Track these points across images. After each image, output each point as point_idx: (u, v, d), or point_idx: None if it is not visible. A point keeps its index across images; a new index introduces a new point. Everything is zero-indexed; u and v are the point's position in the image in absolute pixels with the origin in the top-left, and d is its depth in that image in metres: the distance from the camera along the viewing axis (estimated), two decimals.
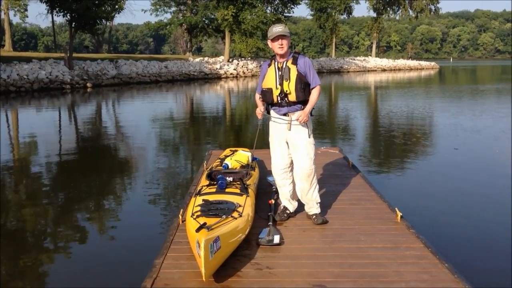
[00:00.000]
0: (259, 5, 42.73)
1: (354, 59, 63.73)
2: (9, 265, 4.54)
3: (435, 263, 3.33)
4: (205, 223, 3.19)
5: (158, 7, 51.63)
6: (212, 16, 48.09)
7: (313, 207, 4.25)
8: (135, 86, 30.96)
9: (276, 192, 4.54)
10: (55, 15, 32.71)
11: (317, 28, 70.56)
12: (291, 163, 4.26)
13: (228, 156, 5.36)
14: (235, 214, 3.51)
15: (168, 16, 54.42)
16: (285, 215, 4.31)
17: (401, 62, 67.54)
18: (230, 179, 4.38)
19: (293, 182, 4.31)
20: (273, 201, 4.45)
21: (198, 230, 3.10)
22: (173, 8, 53.15)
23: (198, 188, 4.31)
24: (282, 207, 4.38)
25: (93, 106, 21.32)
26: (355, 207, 4.61)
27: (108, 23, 57.73)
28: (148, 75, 34.40)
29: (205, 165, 5.98)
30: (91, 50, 68.19)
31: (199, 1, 50.55)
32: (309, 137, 4.15)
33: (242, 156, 5.26)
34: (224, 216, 3.40)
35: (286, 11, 48.21)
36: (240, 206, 3.72)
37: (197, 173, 5.94)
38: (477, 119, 14.37)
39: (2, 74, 25.05)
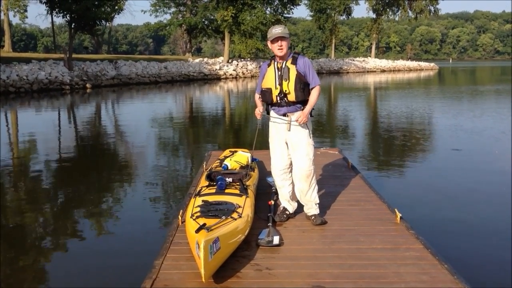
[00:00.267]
0: (259, 6, 42.75)
1: (353, 60, 63.76)
2: (9, 266, 4.53)
3: (435, 264, 3.33)
4: (204, 224, 3.18)
5: (157, 7, 51.62)
6: (212, 17, 48.11)
7: (312, 208, 4.25)
8: (134, 87, 30.97)
9: (276, 193, 4.54)
10: (55, 16, 32.72)
11: (317, 29, 70.58)
12: (291, 163, 4.26)
13: (227, 157, 5.36)
14: (235, 215, 3.51)
15: (168, 17, 54.51)
16: (285, 216, 4.30)
17: (401, 63, 67.59)
18: (230, 180, 4.39)
19: (292, 183, 4.31)
20: (272, 202, 4.45)
21: (197, 231, 3.10)
22: (173, 9, 53.16)
23: (198, 189, 4.31)
24: (281, 208, 4.38)
25: (93, 106, 21.31)
26: (354, 208, 4.61)
27: (107, 24, 57.74)
28: (147, 76, 34.41)
29: (204, 166, 5.98)
30: (90, 50, 68.18)
31: (199, 2, 50.56)
32: (309, 138, 4.15)
33: (242, 157, 5.26)
34: (223, 217, 3.40)
35: (285, 12, 48.21)
36: (239, 207, 3.72)
37: (197, 174, 5.93)
38: (477, 120, 14.37)
39: (2, 75, 25.04)
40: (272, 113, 4.23)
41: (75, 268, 4.51)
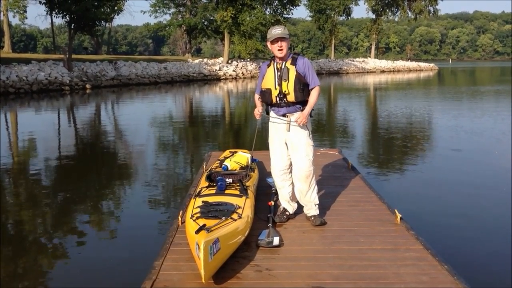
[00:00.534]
0: (258, 6, 42.79)
1: (353, 61, 63.79)
2: (9, 267, 4.53)
3: (435, 264, 3.33)
4: (204, 225, 3.18)
5: (157, 8, 51.67)
6: (211, 18, 48.15)
7: (311, 208, 4.25)
8: (134, 88, 30.97)
9: (276, 193, 4.54)
10: (54, 16, 32.73)
11: (316, 29, 70.64)
12: (291, 164, 4.26)
13: (227, 157, 5.36)
14: (235, 216, 3.51)
15: (167, 17, 54.62)
16: (285, 216, 4.30)
17: (400, 64, 67.60)
18: (230, 180, 4.39)
19: (292, 183, 4.31)
20: (272, 203, 4.45)
21: (197, 231, 3.10)
22: (172, 10, 53.21)
23: (198, 190, 4.31)
24: (281, 209, 4.38)
25: (92, 107, 21.31)
26: (354, 208, 4.60)
27: (107, 25, 57.77)
28: (147, 77, 34.41)
29: (204, 167, 5.97)
30: (90, 51, 68.19)
31: (198, 2, 50.58)
32: (308, 138, 4.15)
33: (242, 157, 5.26)
34: (223, 218, 3.39)
35: (285, 12, 48.30)
36: (239, 207, 3.71)
37: (197, 175, 5.93)
38: (477, 121, 14.38)
39: (1, 76, 25.05)
40: (271, 113, 4.23)
41: (75, 269, 4.51)
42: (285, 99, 4.06)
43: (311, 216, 4.24)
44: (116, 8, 45.07)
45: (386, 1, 64.73)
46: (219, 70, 41.03)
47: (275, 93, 4.07)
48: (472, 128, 12.73)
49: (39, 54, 51.36)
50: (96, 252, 4.91)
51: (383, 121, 15.40)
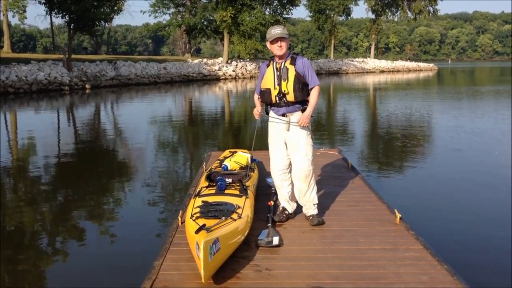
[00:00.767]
0: (258, 6, 42.79)
1: (352, 61, 63.82)
2: (9, 267, 4.53)
3: (434, 264, 3.33)
4: (204, 225, 3.18)
5: (156, 8, 51.61)
6: (211, 18, 48.10)
7: (310, 208, 4.25)
8: (134, 88, 30.97)
9: (275, 193, 4.54)
10: (54, 16, 32.71)
11: (316, 29, 70.57)
12: (290, 164, 4.27)
13: (227, 157, 5.36)
14: (234, 216, 3.51)
15: (167, 17, 54.62)
16: (284, 215, 4.30)
17: (400, 64, 67.62)
18: (229, 180, 4.39)
19: (292, 183, 4.31)
20: (272, 203, 4.45)
21: (197, 231, 3.10)
22: (172, 10, 53.09)
23: (198, 190, 4.31)
24: (281, 208, 4.38)
25: (92, 107, 21.30)
26: (354, 208, 4.61)
27: (106, 25, 57.80)
28: (147, 77, 34.40)
29: (204, 167, 5.97)
30: (89, 51, 68.19)
31: (198, 2, 50.55)
32: (308, 138, 4.15)
33: (241, 157, 5.26)
34: (223, 218, 3.39)
35: (284, 12, 48.30)
36: (239, 207, 3.72)
37: (196, 175, 5.93)
38: (477, 121, 14.38)
39: (1, 76, 25.04)
40: (271, 113, 4.23)
41: (74, 269, 4.51)
42: (284, 99, 4.07)
43: (309, 216, 4.24)
44: (115, 8, 45.03)
45: (386, 1, 64.76)
46: (218, 70, 41.02)
47: (274, 92, 4.08)
48: (472, 128, 12.72)
49: (39, 54, 51.34)
50: (96, 252, 4.90)
51: (383, 121, 15.41)
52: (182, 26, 51.70)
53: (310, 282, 3.10)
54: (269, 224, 3.97)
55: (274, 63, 4.12)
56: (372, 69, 59.87)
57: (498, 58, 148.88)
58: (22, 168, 9.15)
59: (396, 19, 76.27)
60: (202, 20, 49.54)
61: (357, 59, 68.33)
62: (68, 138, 12.74)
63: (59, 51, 45.00)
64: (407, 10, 63.88)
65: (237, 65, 43.84)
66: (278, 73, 4.06)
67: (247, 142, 9.89)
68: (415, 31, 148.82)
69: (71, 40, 33.00)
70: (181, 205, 4.74)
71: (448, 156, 9.49)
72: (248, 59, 46.47)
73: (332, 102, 23.45)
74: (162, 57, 60.82)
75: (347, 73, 55.32)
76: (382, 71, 59.83)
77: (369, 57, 71.30)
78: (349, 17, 69.43)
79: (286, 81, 4.01)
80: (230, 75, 41.25)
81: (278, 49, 4.01)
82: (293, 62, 4.04)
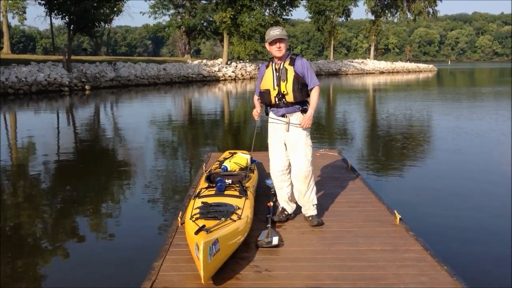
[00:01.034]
0: (258, 7, 42.82)
1: (352, 62, 63.88)
2: (8, 267, 4.52)
3: (434, 265, 3.33)
4: (204, 226, 3.18)
5: (156, 9, 51.68)
6: (211, 19, 48.22)
7: (309, 209, 4.25)
8: (133, 89, 30.97)
9: (275, 194, 4.54)
10: (54, 17, 32.81)
11: (316, 30, 70.57)
12: (290, 165, 4.27)
13: (227, 158, 5.36)
14: (234, 217, 3.51)
15: (167, 18, 54.53)
16: (283, 215, 4.30)
17: (399, 65, 67.67)
18: (229, 181, 4.39)
19: (291, 184, 4.31)
20: (271, 204, 4.45)
21: (197, 232, 3.09)
22: (172, 11, 53.22)
23: (197, 191, 4.31)
24: (280, 209, 4.37)
25: (92, 108, 21.30)
26: (354, 209, 4.60)
27: (106, 26, 57.82)
28: (146, 78, 34.42)
29: (204, 168, 5.97)
30: (89, 52, 68.18)
31: (198, 3, 50.61)
32: (307, 139, 4.16)
33: (241, 158, 5.26)
34: (223, 219, 3.39)
35: (284, 13, 48.37)
36: (239, 208, 3.71)
37: (196, 176, 5.93)
38: (477, 122, 14.38)
39: (1, 77, 25.05)
40: (271, 114, 4.24)
41: (74, 269, 4.50)
42: (283, 100, 4.07)
43: (309, 216, 4.24)
44: (115, 9, 45.06)
45: (385, 2, 64.82)
46: (218, 71, 41.04)
47: (273, 93, 4.08)
48: (473, 129, 12.72)
49: (38, 55, 51.33)
50: (96, 252, 4.91)
51: (383, 122, 15.41)
52: (182, 27, 51.81)
53: (310, 283, 3.10)
54: (269, 225, 3.97)
55: (273, 64, 4.13)
56: (372, 70, 59.91)
57: (497, 59, 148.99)
58: (21, 168, 9.15)
59: (395, 20, 76.24)
60: (202, 21, 49.66)
61: (356, 60, 68.42)
62: (67, 139, 12.74)
63: (58, 52, 45.07)
64: (407, 11, 63.92)
65: (236, 66, 43.87)
66: (277, 74, 4.07)
67: (246, 143, 9.90)
68: (415, 32, 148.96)
69: (70, 41, 33.02)
70: (181, 206, 4.74)
71: (448, 157, 9.49)
72: (247, 60, 46.49)
73: (332, 103, 23.46)
74: (161, 58, 60.86)
75: (346, 74, 55.35)
76: (382, 72, 59.88)
77: (369, 58, 71.35)
78: (348, 18, 69.51)
79: (285, 82, 4.02)
80: (229, 76, 41.27)
81: (277, 50, 4.02)
82: (292, 63, 4.05)
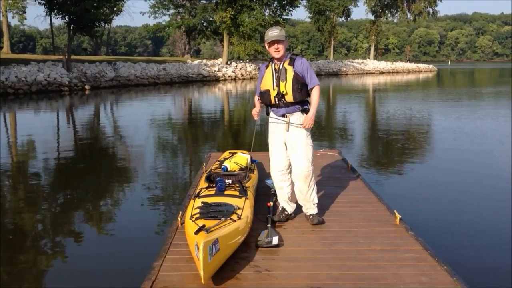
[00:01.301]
0: (258, 7, 42.82)
1: (352, 62, 63.88)
2: (8, 268, 4.52)
3: (434, 265, 3.33)
4: (204, 226, 3.18)
5: (156, 9, 51.70)
6: (211, 19, 48.20)
7: (310, 208, 4.26)
8: (133, 88, 30.96)
9: (275, 194, 4.54)
10: (54, 17, 32.72)
11: (316, 30, 70.62)
12: (290, 164, 4.27)
13: (227, 158, 5.36)
14: (234, 217, 3.51)
15: (167, 18, 54.59)
16: (284, 215, 4.31)
17: (399, 65, 67.65)
18: (229, 181, 4.39)
19: (291, 184, 4.31)
20: (271, 204, 4.45)
21: (197, 232, 3.09)
22: (172, 11, 53.26)
23: (197, 191, 4.31)
24: (280, 209, 4.38)
25: (92, 108, 21.29)
26: (354, 209, 4.61)
27: (106, 26, 57.76)
28: (146, 77, 34.41)
29: (204, 168, 5.97)
30: (89, 52, 68.16)
31: (198, 3, 50.62)
32: (307, 139, 4.16)
33: (241, 158, 5.26)
34: (223, 219, 3.39)
35: (284, 13, 48.31)
36: (239, 208, 3.71)
37: (196, 176, 5.93)
38: (478, 122, 14.37)
39: (0, 76, 25.04)
40: (271, 114, 4.25)
41: (74, 269, 4.50)
42: (283, 100, 4.08)
43: (309, 215, 4.25)
44: (115, 9, 45.07)
45: (385, 2, 64.82)
46: (218, 71, 41.04)
47: (273, 93, 4.09)
48: (473, 130, 12.72)
49: (38, 55, 51.33)
50: (96, 252, 4.90)
51: (383, 122, 15.42)
52: (182, 27, 51.82)
53: (310, 283, 3.10)
54: (269, 225, 3.97)
55: (273, 64, 4.14)
56: (372, 70, 59.91)
57: (497, 59, 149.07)
58: (21, 168, 9.14)
59: (395, 20, 76.44)
60: (202, 21, 49.67)
61: (356, 60, 68.41)
62: (67, 139, 12.73)
63: (58, 52, 45.04)
64: (407, 11, 63.94)
65: (236, 66, 43.86)
66: (276, 74, 4.07)
67: (246, 143, 9.89)
68: (415, 32, 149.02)
69: (70, 41, 32.98)
70: (181, 206, 4.74)
71: (448, 157, 9.49)
72: (247, 60, 46.50)
73: (332, 103, 23.45)
74: (161, 58, 60.85)
75: (346, 74, 55.35)
76: (382, 72, 59.87)
77: (369, 58, 71.35)
78: (348, 18, 69.58)
79: (285, 82, 4.02)
80: (229, 76, 41.26)
81: (275, 51, 4.03)
82: (291, 63, 4.06)
